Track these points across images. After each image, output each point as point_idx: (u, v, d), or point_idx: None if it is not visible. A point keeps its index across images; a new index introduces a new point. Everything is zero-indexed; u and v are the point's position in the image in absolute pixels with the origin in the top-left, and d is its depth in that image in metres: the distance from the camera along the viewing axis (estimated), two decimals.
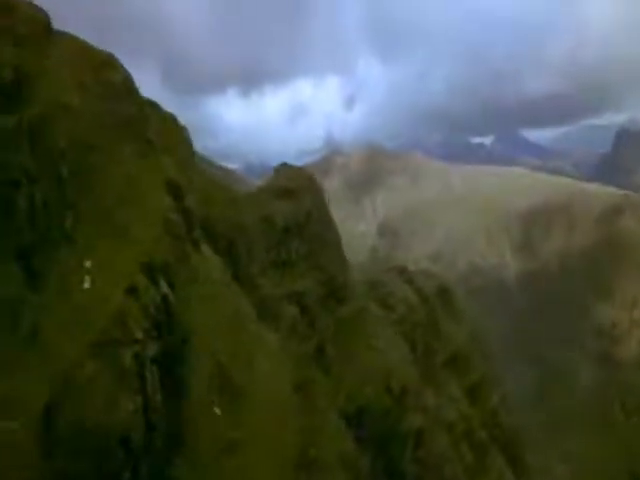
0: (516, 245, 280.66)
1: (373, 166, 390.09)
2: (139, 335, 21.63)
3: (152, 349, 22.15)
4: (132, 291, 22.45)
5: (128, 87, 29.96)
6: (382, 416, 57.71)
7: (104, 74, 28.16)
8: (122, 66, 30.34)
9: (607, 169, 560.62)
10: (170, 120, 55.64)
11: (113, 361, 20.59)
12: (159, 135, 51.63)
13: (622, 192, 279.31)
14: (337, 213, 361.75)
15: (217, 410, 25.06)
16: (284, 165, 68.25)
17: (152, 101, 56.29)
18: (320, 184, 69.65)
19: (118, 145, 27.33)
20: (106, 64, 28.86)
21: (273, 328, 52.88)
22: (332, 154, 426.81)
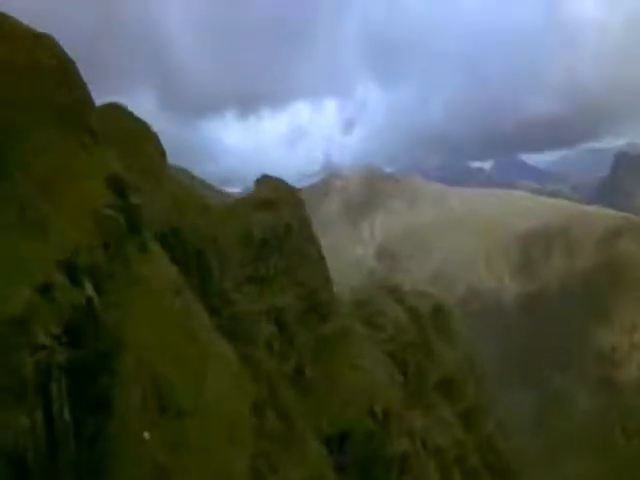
0: (515, 268, 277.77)
1: (371, 189, 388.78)
2: (45, 340, 18.63)
3: (62, 357, 19.14)
4: (43, 291, 19.51)
5: (66, 72, 27.22)
6: (365, 440, 54.43)
7: (36, 55, 25.46)
8: (61, 50, 27.61)
9: (606, 192, 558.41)
10: (141, 126, 53.38)
11: (8, 369, 17.58)
12: (126, 136, 49.27)
13: (622, 214, 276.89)
14: (335, 236, 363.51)
15: (146, 434, 21.89)
16: (265, 177, 65.53)
17: (121, 105, 54.11)
18: (301, 197, 66.85)
19: (47, 131, 24.51)
20: (40, 45, 26.17)
21: (248, 346, 49.91)
22: (330, 177, 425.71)
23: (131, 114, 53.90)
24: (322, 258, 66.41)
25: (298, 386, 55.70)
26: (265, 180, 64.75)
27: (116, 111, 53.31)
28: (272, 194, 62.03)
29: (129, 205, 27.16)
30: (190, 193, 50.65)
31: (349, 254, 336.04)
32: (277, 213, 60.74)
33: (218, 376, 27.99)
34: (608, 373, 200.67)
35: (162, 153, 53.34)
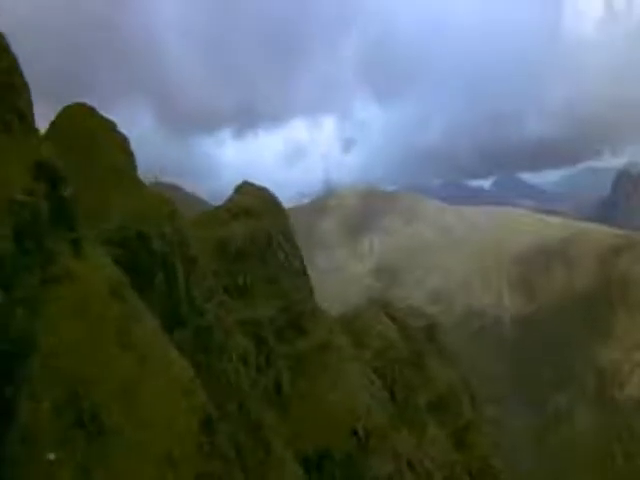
0: (514, 287, 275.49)
1: (370, 207, 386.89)
2: None
3: None
4: None
5: None
6: (346, 461, 51.15)
7: None
8: None
9: (607, 211, 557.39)
10: (108, 126, 50.79)
11: None
12: (91, 136, 46.80)
13: (622, 232, 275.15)
14: (333, 254, 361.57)
15: (52, 455, 18.77)
16: (246, 184, 62.70)
17: (88, 105, 51.84)
18: (283, 207, 64.02)
19: None
20: None
21: (220, 360, 46.94)
22: (329, 195, 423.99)
23: (98, 114, 51.46)
24: (305, 270, 63.34)
25: (275, 404, 52.54)
26: (246, 188, 61.91)
27: (82, 111, 50.81)
28: (252, 202, 59.18)
29: (58, 196, 24.19)
30: (158, 197, 47.70)
31: (347, 272, 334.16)
32: (257, 221, 57.85)
33: (161, 390, 24.86)
34: (608, 392, 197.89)
35: (130, 155, 50.68)
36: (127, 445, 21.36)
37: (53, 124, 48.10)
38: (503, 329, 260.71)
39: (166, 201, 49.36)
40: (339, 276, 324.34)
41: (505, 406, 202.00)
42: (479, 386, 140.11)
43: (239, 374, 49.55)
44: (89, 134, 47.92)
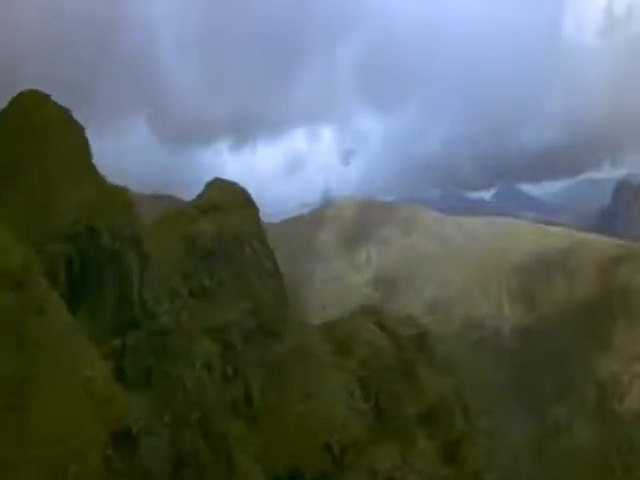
0: (514, 297, 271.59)
1: (368, 218, 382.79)
2: None
3: None
4: None
5: None
6: (319, 478, 47.13)
7: None
8: None
9: (607, 222, 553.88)
10: (63, 115, 47.55)
11: None
12: (44, 125, 43.97)
13: (622, 243, 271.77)
14: (331, 264, 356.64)
15: None
16: (217, 180, 59.01)
17: (43, 92, 49.08)
18: (255, 204, 60.18)
19: None
20: None
21: (178, 365, 43.13)
22: (326, 206, 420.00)
23: (52, 102, 48.28)
24: (277, 271, 59.39)
25: (243, 415, 48.66)
26: (216, 183, 58.22)
27: (35, 98, 47.65)
28: (222, 198, 55.49)
29: None
30: (113, 189, 44.08)
31: (346, 282, 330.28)
32: (225, 219, 54.08)
33: (62, 397, 21.03)
34: (608, 404, 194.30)
35: (85, 144, 47.30)
36: (9, 460, 17.56)
37: (3, 112, 44.90)
38: (503, 339, 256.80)
39: (120, 193, 45.82)
40: (337, 286, 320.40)
41: (504, 416, 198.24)
42: (478, 396, 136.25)
43: (202, 381, 45.84)
44: (42, 122, 44.93)
